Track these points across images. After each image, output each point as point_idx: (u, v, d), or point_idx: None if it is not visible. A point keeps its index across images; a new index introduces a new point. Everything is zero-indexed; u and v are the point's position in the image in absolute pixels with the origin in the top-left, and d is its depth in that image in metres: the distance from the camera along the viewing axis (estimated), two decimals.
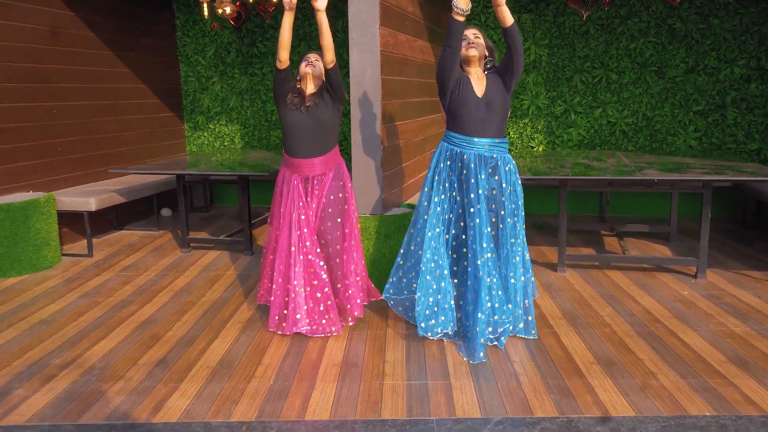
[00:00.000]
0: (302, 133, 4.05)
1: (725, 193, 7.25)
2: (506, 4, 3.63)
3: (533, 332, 3.98)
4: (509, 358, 3.69)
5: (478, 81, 3.92)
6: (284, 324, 4.04)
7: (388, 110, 4.93)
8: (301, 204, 4.06)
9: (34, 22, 6.02)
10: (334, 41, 7.78)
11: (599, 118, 7.41)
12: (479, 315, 3.69)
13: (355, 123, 4.76)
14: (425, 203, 4.04)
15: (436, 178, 3.99)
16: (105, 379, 3.49)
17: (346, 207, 4.16)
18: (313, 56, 4.08)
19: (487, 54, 3.98)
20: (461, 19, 3.69)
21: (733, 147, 7.17)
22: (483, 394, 3.25)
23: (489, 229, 3.81)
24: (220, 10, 6.47)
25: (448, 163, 3.97)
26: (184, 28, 8.24)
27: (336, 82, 4.03)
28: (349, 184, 4.23)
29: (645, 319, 4.24)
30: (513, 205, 3.90)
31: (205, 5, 6.44)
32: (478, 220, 3.78)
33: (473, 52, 3.88)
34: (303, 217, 4.03)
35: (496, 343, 3.83)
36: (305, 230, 4.02)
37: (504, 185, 3.86)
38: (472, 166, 3.84)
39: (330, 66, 3.98)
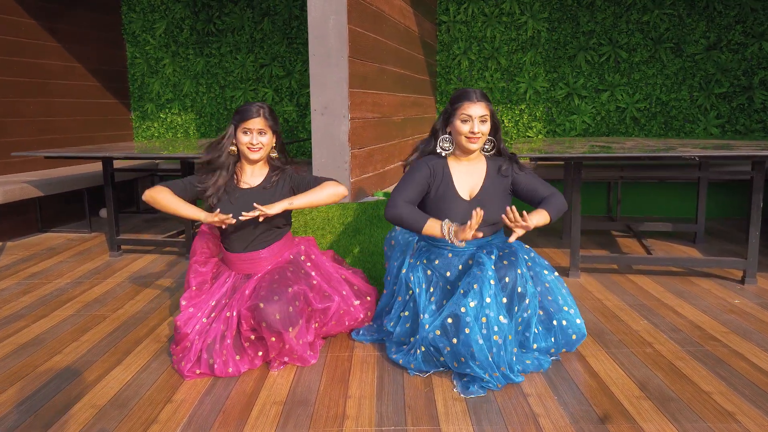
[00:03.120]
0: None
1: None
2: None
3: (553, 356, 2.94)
4: (522, 391, 2.63)
5: (467, 176, 2.92)
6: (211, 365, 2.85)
7: (358, 71, 3.90)
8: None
9: None
10: (297, 6, 6.74)
11: (606, 103, 6.43)
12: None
13: (314, 85, 3.72)
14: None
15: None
16: None
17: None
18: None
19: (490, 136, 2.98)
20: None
21: (761, 135, 6.21)
22: None
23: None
24: None
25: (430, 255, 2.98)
26: (130, 2, 7.19)
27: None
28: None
29: (695, 336, 3.21)
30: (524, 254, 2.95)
31: None
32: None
33: (474, 146, 2.87)
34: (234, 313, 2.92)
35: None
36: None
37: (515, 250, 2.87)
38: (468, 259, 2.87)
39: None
